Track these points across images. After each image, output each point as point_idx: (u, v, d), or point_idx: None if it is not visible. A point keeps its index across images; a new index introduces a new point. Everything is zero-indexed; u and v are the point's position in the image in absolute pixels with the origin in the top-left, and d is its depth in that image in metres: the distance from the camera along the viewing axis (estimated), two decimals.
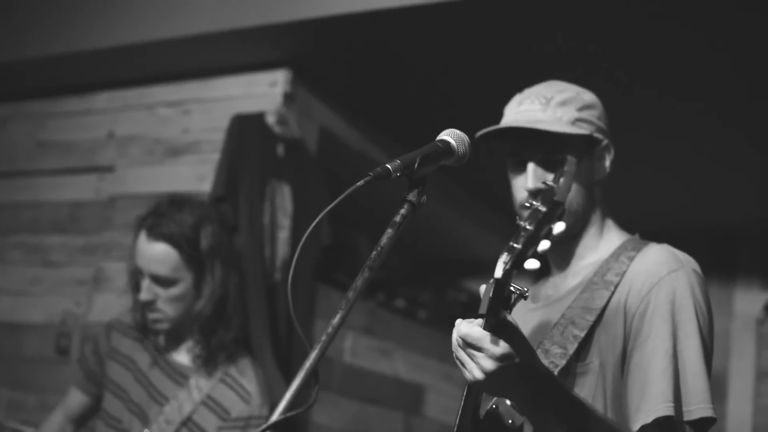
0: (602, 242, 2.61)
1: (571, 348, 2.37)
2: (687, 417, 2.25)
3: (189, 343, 3.69)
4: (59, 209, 5.37)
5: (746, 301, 6.92)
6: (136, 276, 3.63)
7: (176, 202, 3.67)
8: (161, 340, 3.73)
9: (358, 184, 1.91)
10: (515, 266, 1.69)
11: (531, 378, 1.99)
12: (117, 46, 4.89)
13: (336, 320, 1.84)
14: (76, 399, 3.86)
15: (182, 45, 4.76)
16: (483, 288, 1.87)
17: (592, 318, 2.39)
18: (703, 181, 5.96)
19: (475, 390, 2.24)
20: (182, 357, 3.70)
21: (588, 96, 2.62)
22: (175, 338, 3.71)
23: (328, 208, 1.92)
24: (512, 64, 4.52)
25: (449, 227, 6.95)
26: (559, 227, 1.74)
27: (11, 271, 5.42)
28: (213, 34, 4.61)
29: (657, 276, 2.37)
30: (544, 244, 1.71)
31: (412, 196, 2.01)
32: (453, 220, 6.75)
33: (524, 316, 2.57)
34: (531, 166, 2.52)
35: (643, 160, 5.38)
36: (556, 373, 2.32)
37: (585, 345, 2.40)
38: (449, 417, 6.35)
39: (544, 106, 2.54)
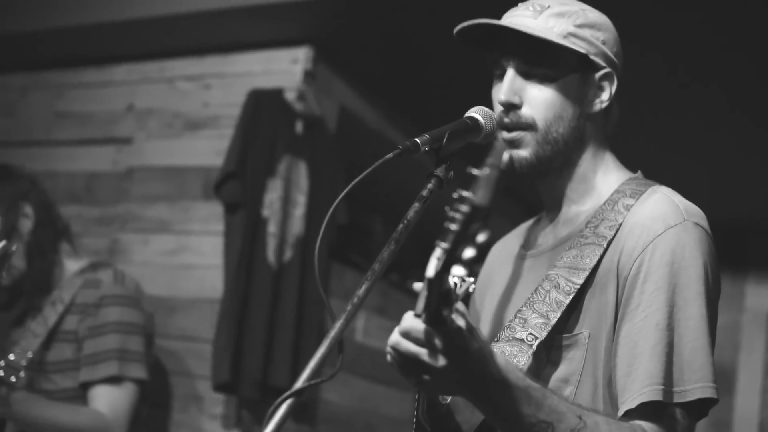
0: (597, 183, 2.25)
1: (554, 317, 2.08)
2: (680, 398, 1.95)
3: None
4: (76, 180, 5.37)
5: (757, 296, 6.91)
6: None
7: None
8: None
9: (387, 156, 1.91)
10: (446, 267, 1.54)
11: (480, 379, 1.77)
12: (139, 18, 4.88)
13: (362, 291, 1.84)
14: None
15: (204, 19, 4.75)
16: (418, 285, 1.70)
17: (579, 281, 2.09)
18: (716, 173, 5.95)
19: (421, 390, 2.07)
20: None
21: (595, 15, 2.23)
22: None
23: (355, 181, 1.91)
24: None
25: None
26: (482, 236, 1.54)
27: None
28: (235, 8, 4.60)
29: (652, 233, 2.03)
30: (470, 252, 1.54)
31: (439, 171, 2.00)
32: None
33: (514, 264, 2.39)
34: (508, 75, 2.18)
35: (656, 146, 5.37)
36: (534, 347, 2.07)
37: (572, 312, 2.11)
38: None
39: (536, 14, 2.18)
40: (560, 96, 2.17)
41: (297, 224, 4.62)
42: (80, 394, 3.59)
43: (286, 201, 4.61)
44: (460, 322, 1.70)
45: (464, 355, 1.72)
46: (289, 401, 1.71)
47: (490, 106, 2.20)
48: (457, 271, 1.55)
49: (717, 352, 2.07)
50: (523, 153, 2.18)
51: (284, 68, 4.85)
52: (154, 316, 4.03)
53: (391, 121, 5.57)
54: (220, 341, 4.38)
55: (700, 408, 2.00)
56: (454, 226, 1.53)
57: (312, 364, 1.74)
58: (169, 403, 4.63)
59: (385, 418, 5.65)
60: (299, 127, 4.70)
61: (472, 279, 1.65)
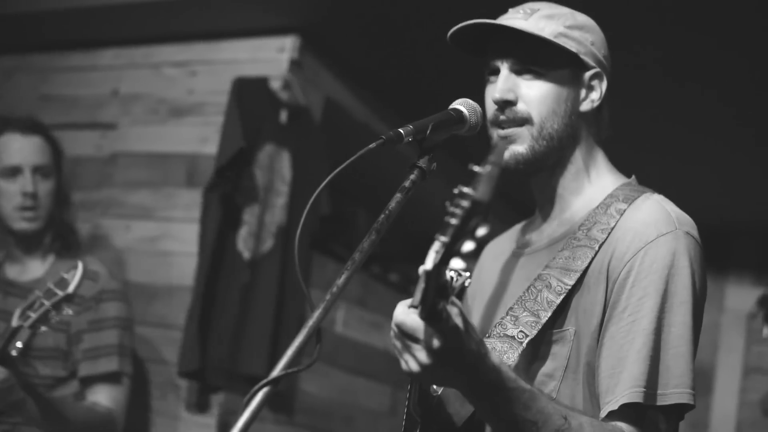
0: (589, 185, 2.33)
1: (545, 316, 2.14)
2: (660, 401, 2.03)
3: (38, 254, 3.81)
4: None
5: (738, 296, 6.94)
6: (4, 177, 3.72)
7: (27, 116, 3.96)
8: (4, 268, 3.80)
9: (370, 146, 1.92)
10: (445, 260, 1.57)
11: (473, 371, 1.82)
12: (126, 3, 4.86)
13: (341, 280, 1.84)
14: None
15: (192, 5, 4.74)
16: (420, 271, 1.66)
17: (571, 282, 2.15)
18: (699, 174, 5.96)
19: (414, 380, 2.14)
20: (31, 273, 3.78)
21: (584, 18, 2.33)
22: (22, 254, 3.80)
23: (337, 170, 1.92)
24: None
25: (444, 204, 6.95)
26: (482, 230, 1.58)
27: None
28: None
29: (643, 239, 2.10)
30: (469, 245, 1.57)
31: (422, 162, 2.01)
32: (448, 196, 6.75)
33: (507, 262, 2.44)
34: (502, 73, 2.25)
35: (639, 147, 5.38)
36: (525, 344, 2.14)
37: (561, 310, 2.17)
38: None
39: (526, 16, 2.27)
40: (553, 92, 2.24)
41: (279, 214, 4.61)
42: (55, 383, 3.61)
43: (268, 190, 4.59)
44: (457, 320, 1.74)
45: (458, 353, 1.76)
46: (265, 389, 1.71)
47: (479, 99, 2.23)
48: (456, 264, 1.59)
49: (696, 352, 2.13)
50: (519, 148, 2.24)
51: (270, 57, 4.84)
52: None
53: (377, 112, 5.57)
54: (190, 329, 4.38)
55: (678, 413, 2.07)
56: (453, 221, 1.56)
57: (289, 352, 1.75)
58: (148, 390, 4.62)
59: (363, 409, 5.65)
60: (284, 116, 4.69)
61: (468, 273, 1.72)
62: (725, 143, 5.41)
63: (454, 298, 1.74)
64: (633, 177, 2.36)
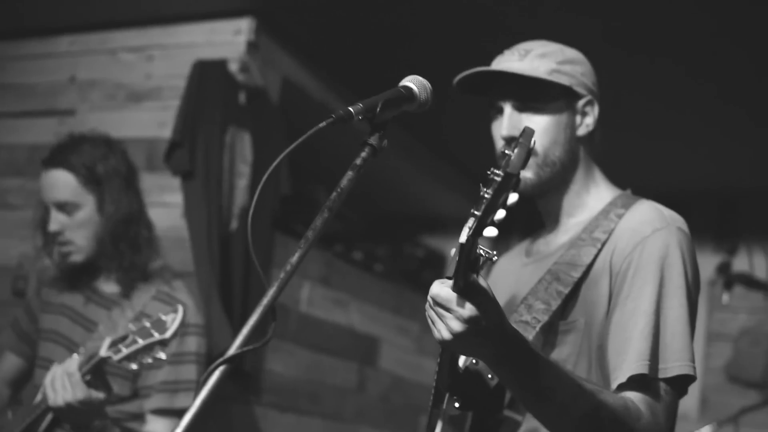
0: (590, 199, 2.61)
1: (555, 304, 2.40)
2: (663, 374, 2.24)
3: (111, 274, 3.70)
4: (17, 152, 5.32)
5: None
6: (41, 215, 3.66)
7: (75, 137, 3.72)
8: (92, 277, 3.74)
9: (320, 125, 1.92)
10: (477, 233, 1.72)
11: (499, 340, 1.96)
12: None
13: (295, 258, 1.86)
14: (10, 362, 3.84)
15: None
16: (452, 251, 1.87)
17: (577, 274, 2.41)
18: (655, 142, 6.00)
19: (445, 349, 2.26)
20: (111, 286, 3.70)
21: (571, 52, 2.63)
22: (98, 269, 3.71)
23: (288, 149, 1.92)
24: (479, 22, 4.53)
25: (408, 182, 6.97)
26: (512, 198, 1.74)
27: None
28: None
29: (641, 235, 2.37)
30: (501, 214, 1.72)
31: (373, 140, 2.03)
32: (411, 175, 6.77)
33: (517, 271, 2.70)
34: (506, 113, 2.54)
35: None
36: (537, 328, 2.38)
37: (569, 302, 2.43)
38: (402, 369, 6.41)
39: (521, 57, 2.56)
40: (552, 124, 2.55)
41: (241, 195, 4.62)
42: (117, 401, 3.52)
43: (232, 172, 4.61)
44: (487, 291, 1.90)
45: (487, 322, 1.91)
46: (221, 368, 1.73)
47: (431, 77, 2.23)
48: (490, 232, 1.72)
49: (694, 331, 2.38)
50: (527, 174, 2.53)
51: (227, 39, 4.85)
52: None
53: (334, 92, 5.58)
54: (213, 313, 4.37)
55: (681, 385, 2.29)
56: (487, 195, 1.73)
57: (244, 331, 1.78)
58: None
59: (329, 387, 5.68)
60: (242, 98, 4.70)
61: (495, 252, 1.81)
62: (679, 107, 5.44)
63: (482, 274, 1.90)
64: (629, 189, 2.63)
